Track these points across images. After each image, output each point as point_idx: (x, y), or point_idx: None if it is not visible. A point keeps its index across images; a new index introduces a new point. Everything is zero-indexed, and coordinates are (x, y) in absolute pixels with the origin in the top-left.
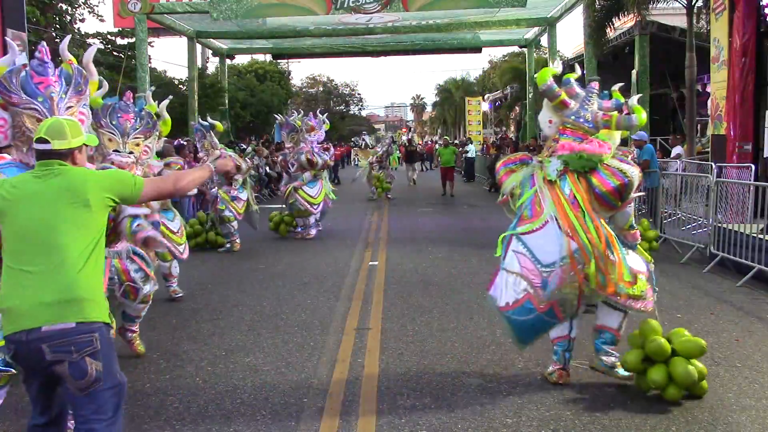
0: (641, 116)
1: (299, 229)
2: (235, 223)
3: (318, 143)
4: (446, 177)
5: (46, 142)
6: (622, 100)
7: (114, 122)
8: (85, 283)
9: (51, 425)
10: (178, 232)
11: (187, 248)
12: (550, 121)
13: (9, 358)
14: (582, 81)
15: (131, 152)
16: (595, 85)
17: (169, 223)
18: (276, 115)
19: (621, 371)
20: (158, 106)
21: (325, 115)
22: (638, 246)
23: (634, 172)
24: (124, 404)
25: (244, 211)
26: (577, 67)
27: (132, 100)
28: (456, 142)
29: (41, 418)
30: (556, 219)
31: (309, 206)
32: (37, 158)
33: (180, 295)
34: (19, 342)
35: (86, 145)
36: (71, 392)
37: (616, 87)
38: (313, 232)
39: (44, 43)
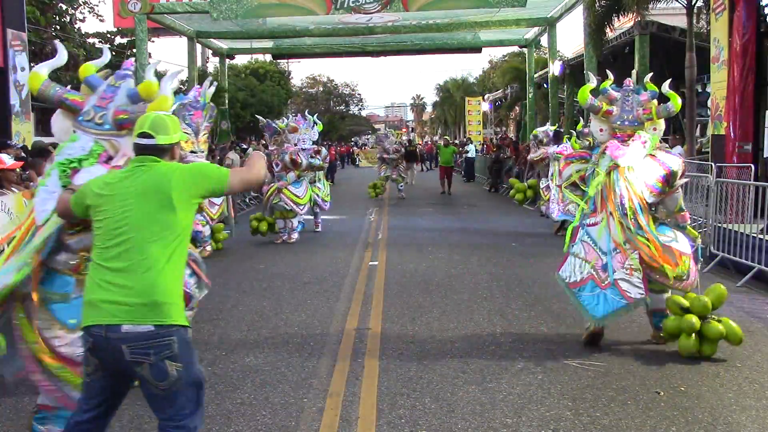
0: (677, 102)
1: (282, 233)
2: (206, 228)
3: (312, 143)
4: (445, 176)
5: (151, 137)
6: (656, 90)
7: (186, 121)
8: (165, 286)
9: (97, 420)
10: None
11: None
12: (601, 130)
13: (85, 349)
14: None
15: (202, 150)
16: (629, 82)
17: None
18: (258, 117)
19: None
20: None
21: (315, 115)
22: (687, 226)
23: (678, 162)
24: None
25: (219, 216)
26: (592, 76)
27: (200, 94)
28: (456, 142)
29: (87, 414)
30: (611, 213)
31: (294, 206)
32: (137, 153)
33: None
34: (98, 336)
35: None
36: (152, 392)
37: (647, 78)
38: (295, 236)
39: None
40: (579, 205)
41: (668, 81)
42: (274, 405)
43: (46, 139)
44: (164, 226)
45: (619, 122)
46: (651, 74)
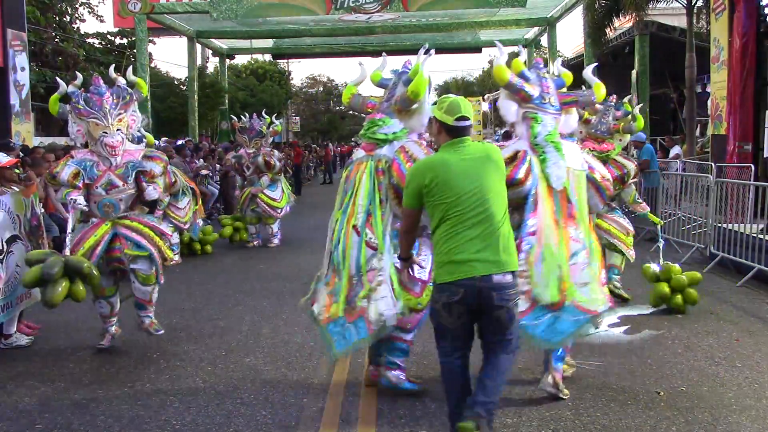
0: (640, 123)
1: (257, 237)
2: (174, 236)
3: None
4: None
5: (468, 119)
6: (630, 109)
7: (93, 107)
8: (510, 243)
9: (464, 359)
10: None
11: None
12: (581, 132)
13: (453, 300)
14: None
15: (119, 129)
16: (614, 98)
17: (162, 226)
18: (235, 117)
19: (623, 292)
20: (126, 77)
21: (274, 115)
22: (648, 213)
23: (631, 165)
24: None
25: (188, 220)
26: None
27: (101, 82)
28: None
29: (458, 354)
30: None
31: (272, 211)
32: (455, 134)
33: (161, 332)
34: (471, 286)
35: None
36: (493, 333)
37: (626, 99)
38: (276, 241)
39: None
40: None
41: (640, 105)
42: (274, 405)
43: (47, 139)
44: (501, 196)
45: (594, 130)
46: (630, 96)
